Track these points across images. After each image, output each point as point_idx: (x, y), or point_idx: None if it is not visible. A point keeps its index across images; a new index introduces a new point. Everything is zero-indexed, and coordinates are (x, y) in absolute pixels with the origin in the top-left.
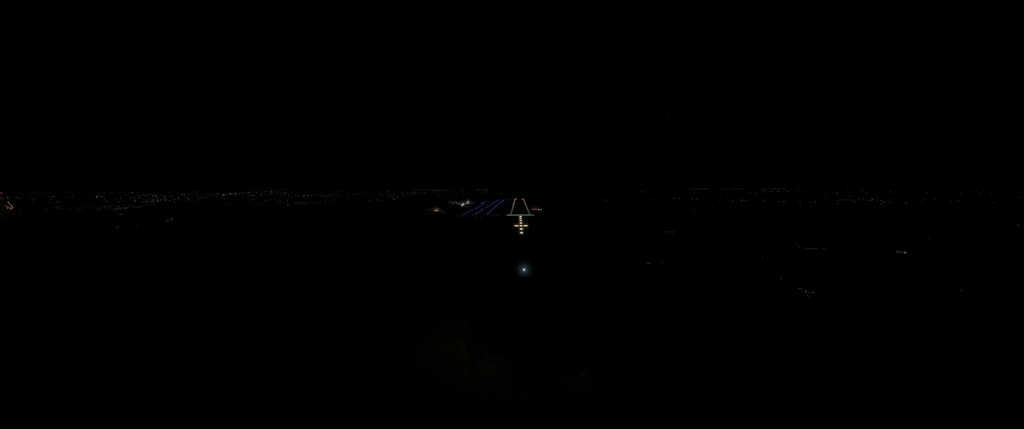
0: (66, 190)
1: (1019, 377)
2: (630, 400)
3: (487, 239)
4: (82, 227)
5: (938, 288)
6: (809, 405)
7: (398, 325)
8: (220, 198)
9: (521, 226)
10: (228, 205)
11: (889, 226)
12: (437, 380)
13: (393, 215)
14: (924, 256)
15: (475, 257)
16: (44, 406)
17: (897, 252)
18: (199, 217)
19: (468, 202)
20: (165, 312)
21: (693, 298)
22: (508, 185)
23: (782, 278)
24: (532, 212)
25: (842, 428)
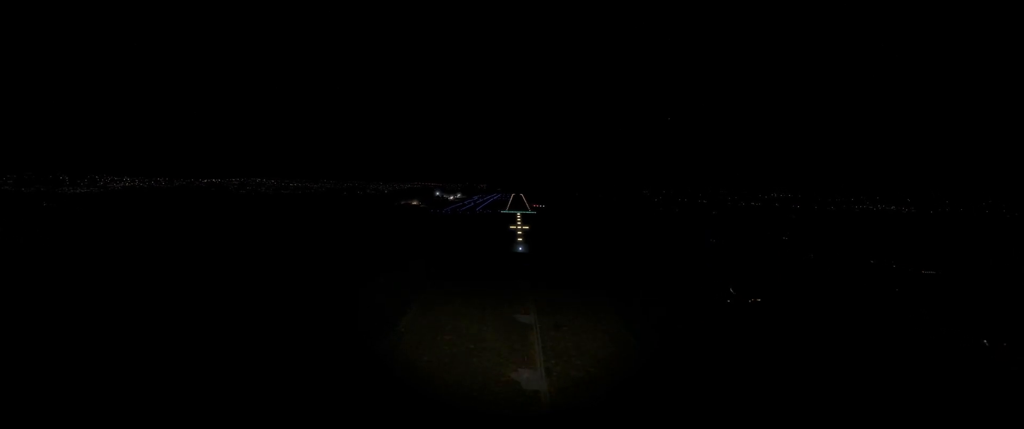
0: (51, 173)
1: None
2: None
3: (471, 246)
4: None
5: None
6: None
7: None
8: (199, 184)
9: (520, 227)
10: (209, 191)
11: (966, 241)
12: None
13: (362, 208)
14: None
15: (445, 275)
16: None
17: None
18: (104, 205)
19: (458, 195)
20: None
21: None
22: (507, 181)
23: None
24: (533, 209)
25: None
